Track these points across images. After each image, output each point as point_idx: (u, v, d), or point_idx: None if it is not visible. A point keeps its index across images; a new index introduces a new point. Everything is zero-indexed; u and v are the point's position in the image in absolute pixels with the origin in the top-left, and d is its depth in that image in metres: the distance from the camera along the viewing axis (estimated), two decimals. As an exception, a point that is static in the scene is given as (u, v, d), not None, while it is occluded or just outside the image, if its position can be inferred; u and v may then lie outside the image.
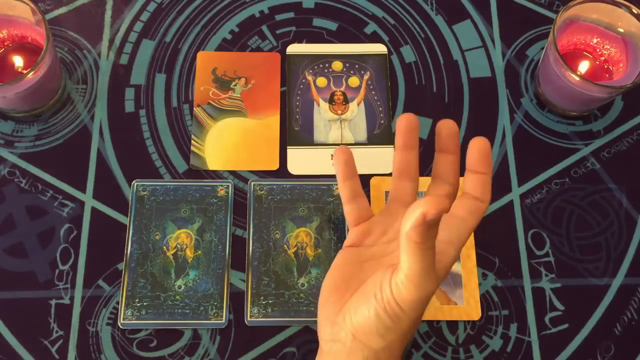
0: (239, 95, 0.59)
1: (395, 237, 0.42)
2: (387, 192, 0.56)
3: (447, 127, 0.42)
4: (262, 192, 0.55)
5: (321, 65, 0.60)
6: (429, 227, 0.32)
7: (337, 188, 0.55)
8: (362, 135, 0.58)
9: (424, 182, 0.56)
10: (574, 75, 0.52)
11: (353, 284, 0.40)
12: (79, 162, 0.56)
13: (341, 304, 0.40)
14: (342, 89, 0.60)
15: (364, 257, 0.41)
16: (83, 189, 0.55)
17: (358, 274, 0.40)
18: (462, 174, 0.57)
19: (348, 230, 0.44)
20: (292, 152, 0.57)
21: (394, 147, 0.57)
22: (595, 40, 0.58)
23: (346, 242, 0.43)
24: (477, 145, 0.39)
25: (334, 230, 0.54)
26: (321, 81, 0.60)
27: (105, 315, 0.51)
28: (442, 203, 0.31)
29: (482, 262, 0.54)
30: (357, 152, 0.57)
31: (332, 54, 0.61)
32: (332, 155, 0.41)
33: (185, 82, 0.59)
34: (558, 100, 0.57)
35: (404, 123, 0.42)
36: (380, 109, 0.59)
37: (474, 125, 0.58)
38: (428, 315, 0.52)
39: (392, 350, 0.39)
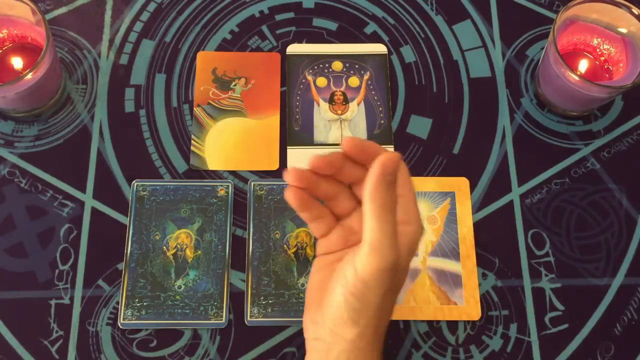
0: (239, 95, 0.59)
1: (356, 242, 0.42)
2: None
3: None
4: (262, 192, 0.55)
5: (321, 65, 0.60)
6: (389, 184, 0.37)
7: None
8: (362, 135, 0.58)
9: (422, 182, 0.56)
10: (574, 75, 0.52)
11: (328, 284, 0.41)
12: (79, 162, 0.56)
13: (320, 303, 0.41)
14: (342, 89, 0.60)
15: (334, 260, 0.42)
16: (83, 189, 0.55)
17: (331, 275, 0.41)
18: (457, 174, 0.57)
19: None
20: (292, 152, 0.57)
21: (394, 147, 0.57)
22: (595, 40, 0.58)
23: (317, 252, 0.44)
24: (347, 143, 0.39)
25: (334, 230, 0.54)
26: (321, 81, 0.60)
27: (105, 315, 0.51)
28: (395, 155, 0.36)
29: (482, 262, 0.54)
30: (357, 152, 0.57)
31: (332, 54, 0.61)
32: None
33: (185, 82, 0.59)
34: (558, 100, 0.57)
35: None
36: (380, 109, 0.59)
37: (474, 125, 0.58)
38: (428, 315, 0.52)
39: (367, 338, 0.39)
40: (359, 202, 0.43)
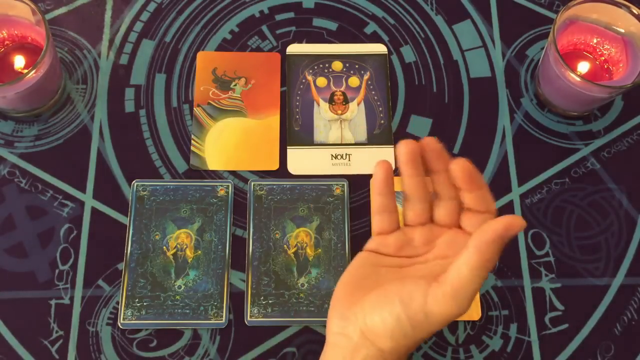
0: (239, 95, 0.59)
1: (413, 254, 0.42)
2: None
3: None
4: (262, 192, 0.55)
5: (321, 65, 0.60)
6: (502, 245, 0.35)
7: (337, 188, 0.55)
8: (362, 135, 0.58)
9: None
10: (574, 75, 0.52)
11: (367, 283, 0.41)
12: (79, 162, 0.56)
13: (353, 299, 0.40)
14: (342, 89, 0.60)
15: (381, 263, 0.42)
16: (83, 189, 0.55)
17: (373, 275, 0.41)
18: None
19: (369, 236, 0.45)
20: (292, 152, 0.57)
21: (394, 147, 0.57)
22: (595, 40, 0.58)
23: (366, 247, 0.44)
24: (460, 167, 0.39)
25: (334, 230, 0.54)
26: (321, 81, 0.60)
27: (105, 315, 0.51)
28: (522, 222, 0.35)
29: (482, 262, 0.54)
30: (357, 152, 0.57)
31: (332, 54, 0.61)
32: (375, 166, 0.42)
33: (185, 82, 0.59)
34: (558, 100, 0.57)
35: (405, 153, 0.41)
36: (380, 109, 0.59)
37: (474, 125, 0.58)
38: (428, 315, 0.52)
39: (399, 354, 0.39)
40: (431, 220, 0.43)
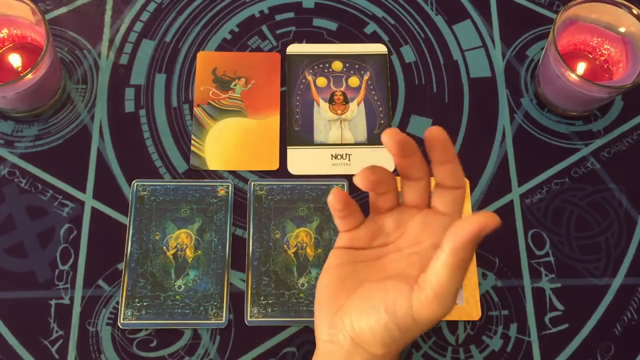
0: (239, 95, 0.59)
1: (386, 242, 0.42)
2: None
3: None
4: (262, 192, 0.55)
5: (321, 65, 0.60)
6: (476, 244, 0.34)
7: (337, 187, 0.55)
8: (362, 135, 0.58)
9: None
10: (573, 75, 0.52)
11: (347, 283, 0.40)
12: (79, 162, 0.56)
13: (337, 304, 0.40)
14: (342, 89, 0.60)
15: (355, 258, 0.41)
16: (83, 189, 0.55)
17: (351, 273, 0.41)
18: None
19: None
20: (292, 152, 0.57)
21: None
22: (595, 40, 0.58)
23: (337, 244, 0.43)
24: (433, 134, 0.38)
25: (334, 230, 0.54)
26: (321, 81, 0.60)
27: (105, 315, 0.51)
28: (496, 219, 0.33)
29: (482, 262, 0.54)
30: (357, 152, 0.57)
31: (332, 54, 0.61)
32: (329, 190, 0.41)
33: (185, 82, 0.59)
34: (558, 100, 0.57)
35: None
36: (380, 109, 0.59)
37: (474, 125, 0.58)
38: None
39: (392, 355, 0.39)
40: (399, 204, 0.42)
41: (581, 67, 0.57)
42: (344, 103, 0.59)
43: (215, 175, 0.56)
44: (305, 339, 0.51)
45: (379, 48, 0.61)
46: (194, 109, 0.58)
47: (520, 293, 0.53)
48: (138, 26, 0.61)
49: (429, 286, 0.35)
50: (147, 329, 0.51)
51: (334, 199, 0.41)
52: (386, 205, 0.42)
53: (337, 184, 0.56)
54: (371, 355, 0.38)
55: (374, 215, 0.43)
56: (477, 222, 0.33)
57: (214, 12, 0.62)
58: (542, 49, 0.61)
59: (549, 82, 0.57)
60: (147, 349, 0.51)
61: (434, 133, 0.38)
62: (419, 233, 0.40)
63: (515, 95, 0.60)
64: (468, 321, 0.52)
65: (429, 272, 0.36)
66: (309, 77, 0.60)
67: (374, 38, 0.62)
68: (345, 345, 0.39)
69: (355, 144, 0.57)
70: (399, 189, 0.42)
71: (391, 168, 0.57)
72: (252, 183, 0.55)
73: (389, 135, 0.38)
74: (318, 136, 0.58)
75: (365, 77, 0.60)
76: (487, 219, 0.33)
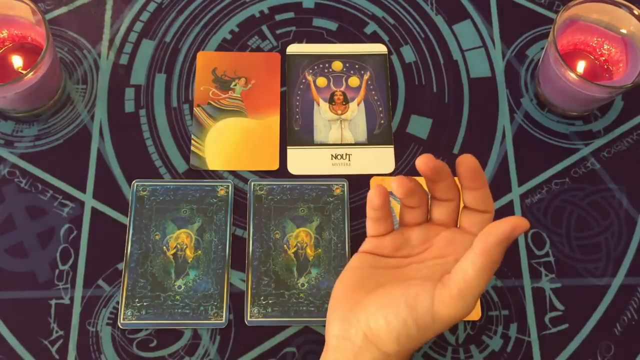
0: (239, 95, 0.59)
1: (410, 254, 0.42)
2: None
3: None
4: (262, 192, 0.55)
5: (321, 65, 0.60)
6: (506, 245, 0.35)
7: (337, 188, 0.55)
8: (362, 135, 0.58)
9: (422, 182, 0.56)
10: (573, 75, 0.52)
11: (366, 284, 0.40)
12: (79, 162, 0.56)
13: (353, 301, 0.40)
14: (342, 89, 0.60)
15: (378, 264, 0.42)
16: (83, 189, 0.55)
17: (372, 276, 0.41)
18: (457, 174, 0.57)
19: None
20: (292, 152, 0.57)
21: (393, 147, 0.57)
22: (595, 40, 0.58)
23: (362, 248, 0.44)
24: (465, 164, 0.39)
25: (334, 230, 0.54)
26: (321, 81, 0.60)
27: (105, 315, 0.51)
28: (527, 223, 0.35)
29: (482, 262, 0.54)
30: (357, 152, 0.57)
31: (332, 54, 0.61)
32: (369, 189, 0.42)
33: (185, 82, 0.59)
34: (558, 100, 0.57)
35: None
36: (380, 109, 0.59)
37: (474, 125, 0.58)
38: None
39: (402, 356, 0.39)
40: (428, 219, 0.43)
41: (581, 67, 0.57)
42: (344, 103, 0.59)
43: (215, 175, 0.56)
44: (306, 339, 0.51)
45: (379, 48, 0.61)
46: (194, 109, 0.58)
47: (520, 293, 0.53)
48: (138, 26, 0.61)
49: (454, 284, 0.36)
50: (147, 329, 0.51)
51: (375, 193, 0.41)
52: (415, 220, 0.43)
53: (337, 184, 0.55)
54: (382, 354, 0.38)
55: (402, 227, 0.43)
56: (509, 224, 0.34)
57: (214, 12, 0.62)
58: (542, 49, 0.61)
59: (549, 82, 0.56)
60: (147, 349, 0.51)
61: (466, 162, 0.39)
62: (444, 248, 0.41)
63: (515, 95, 0.60)
64: (468, 321, 0.52)
65: (456, 271, 0.36)
66: (309, 77, 0.60)
67: (374, 38, 0.62)
68: (357, 341, 0.39)
69: (355, 144, 0.57)
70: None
71: (391, 169, 0.57)
72: (252, 183, 0.55)
73: (424, 163, 0.39)
74: (318, 136, 0.58)
75: (365, 77, 0.60)
76: (519, 221, 0.35)
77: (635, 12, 0.54)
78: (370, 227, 0.43)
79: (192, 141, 0.57)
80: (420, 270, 0.41)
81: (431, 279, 0.38)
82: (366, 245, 0.43)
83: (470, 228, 0.41)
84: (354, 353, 0.39)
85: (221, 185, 0.55)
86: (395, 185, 0.40)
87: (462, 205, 0.42)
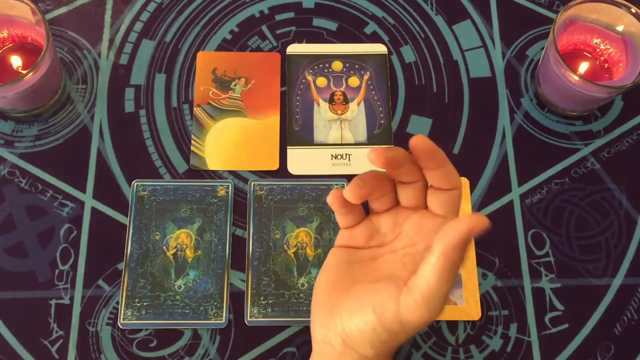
0: (239, 95, 0.59)
1: (382, 242, 0.42)
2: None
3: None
4: (262, 192, 0.55)
5: (321, 65, 0.60)
6: (466, 246, 0.34)
7: (337, 188, 0.55)
8: (362, 135, 0.58)
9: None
10: (573, 75, 0.52)
11: (342, 283, 0.40)
12: (79, 162, 0.56)
13: (329, 305, 0.40)
14: (342, 89, 0.60)
15: (353, 258, 0.42)
16: (83, 189, 0.55)
17: (347, 274, 0.41)
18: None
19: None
20: (292, 152, 0.57)
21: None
22: (595, 40, 0.58)
23: (336, 242, 0.44)
24: (418, 146, 0.37)
25: (334, 230, 0.54)
26: (321, 81, 0.60)
27: (105, 315, 0.51)
28: (486, 221, 0.33)
29: (482, 262, 0.54)
30: (357, 152, 0.57)
31: (332, 54, 0.61)
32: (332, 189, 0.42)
33: (185, 82, 0.59)
34: (558, 100, 0.57)
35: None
36: (380, 109, 0.59)
37: (474, 125, 0.58)
38: (428, 315, 0.52)
39: (383, 356, 0.39)
40: (397, 203, 0.42)
41: (581, 67, 0.57)
42: (344, 103, 0.59)
43: (215, 175, 0.56)
44: (305, 339, 0.51)
45: (379, 48, 0.61)
46: (194, 109, 0.58)
47: (520, 293, 0.53)
48: (138, 26, 0.61)
49: (417, 290, 0.35)
50: (147, 329, 0.51)
51: (333, 199, 0.41)
52: (382, 206, 0.42)
53: (337, 184, 0.56)
54: (361, 357, 0.38)
55: (371, 215, 0.43)
56: (465, 224, 0.33)
57: (214, 12, 0.62)
58: (542, 49, 0.61)
59: (549, 82, 0.57)
60: (147, 349, 0.51)
61: (417, 144, 0.37)
62: (413, 235, 0.41)
63: (515, 95, 0.60)
64: (468, 321, 0.52)
65: (419, 275, 0.35)
66: (309, 77, 0.60)
67: (374, 38, 0.62)
68: (336, 346, 0.39)
69: (355, 144, 0.57)
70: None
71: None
72: (252, 183, 0.55)
73: (375, 157, 0.37)
74: (318, 136, 0.58)
75: (365, 77, 0.60)
76: (477, 221, 0.33)
77: (635, 11, 0.54)
78: (341, 220, 0.43)
79: (192, 141, 0.57)
80: (392, 263, 0.40)
81: (398, 281, 0.37)
82: (340, 238, 0.43)
83: (439, 208, 0.40)
84: (335, 357, 0.39)
85: (221, 185, 0.55)
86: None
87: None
